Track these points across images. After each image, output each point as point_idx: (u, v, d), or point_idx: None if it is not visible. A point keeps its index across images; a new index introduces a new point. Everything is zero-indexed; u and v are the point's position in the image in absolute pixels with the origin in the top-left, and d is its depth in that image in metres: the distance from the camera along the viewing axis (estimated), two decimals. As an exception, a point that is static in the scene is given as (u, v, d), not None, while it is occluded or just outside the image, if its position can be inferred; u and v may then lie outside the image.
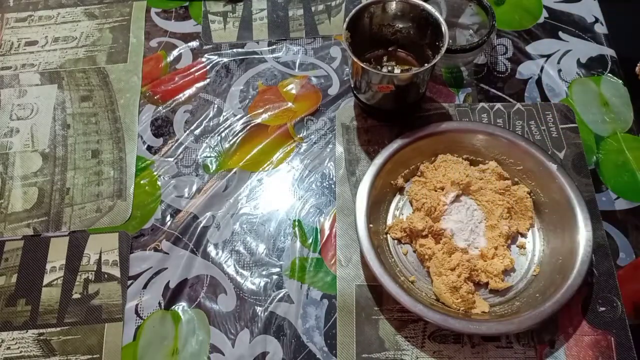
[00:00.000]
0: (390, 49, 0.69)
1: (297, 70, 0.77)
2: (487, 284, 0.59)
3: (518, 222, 0.63)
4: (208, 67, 0.78)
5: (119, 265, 0.64)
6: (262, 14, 0.82)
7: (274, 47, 0.79)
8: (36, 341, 0.60)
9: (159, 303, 0.62)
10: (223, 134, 0.72)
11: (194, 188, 0.69)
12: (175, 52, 0.79)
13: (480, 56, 0.76)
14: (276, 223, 0.66)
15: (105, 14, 0.83)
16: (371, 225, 0.60)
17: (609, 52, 0.76)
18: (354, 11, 0.63)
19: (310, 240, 0.64)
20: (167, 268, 0.64)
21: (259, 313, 0.60)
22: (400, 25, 0.67)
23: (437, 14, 0.63)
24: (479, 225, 0.62)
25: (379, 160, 0.63)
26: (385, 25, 0.67)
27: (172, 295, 0.62)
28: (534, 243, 0.62)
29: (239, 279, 0.63)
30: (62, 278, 0.64)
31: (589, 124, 0.70)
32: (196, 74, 0.77)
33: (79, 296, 0.63)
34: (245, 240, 0.65)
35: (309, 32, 0.80)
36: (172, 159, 0.71)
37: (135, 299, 0.62)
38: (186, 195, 0.68)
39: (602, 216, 0.63)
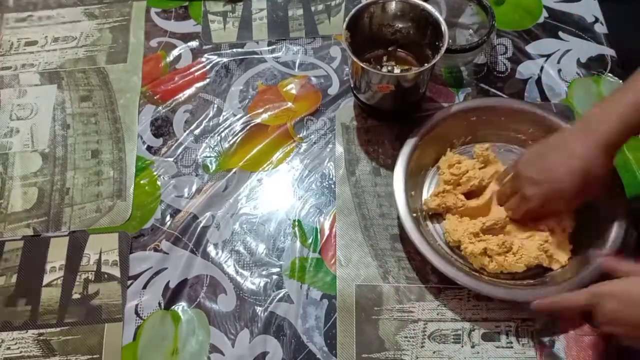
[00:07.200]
0: (390, 49, 0.69)
1: (297, 70, 0.77)
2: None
3: None
4: (208, 67, 0.78)
5: (119, 265, 0.64)
6: (261, 13, 0.82)
7: (274, 47, 0.79)
8: (36, 341, 0.60)
9: (159, 303, 0.61)
10: (223, 134, 0.72)
11: (194, 188, 0.69)
12: (175, 52, 0.79)
13: (480, 56, 0.76)
14: (276, 223, 0.66)
15: (105, 14, 0.83)
16: (413, 193, 0.63)
17: (609, 52, 0.76)
18: (353, 11, 0.63)
19: (310, 240, 0.64)
20: (167, 268, 0.64)
21: (259, 313, 0.60)
22: (400, 25, 0.67)
23: (437, 14, 0.63)
24: None
25: (414, 138, 0.64)
26: (385, 25, 0.67)
27: (172, 295, 0.62)
28: None
29: (239, 279, 0.63)
30: (62, 278, 0.64)
31: (589, 124, 0.70)
32: (196, 74, 0.77)
33: (79, 296, 0.63)
34: (245, 240, 0.65)
35: (309, 32, 0.80)
36: (172, 159, 0.71)
37: (135, 299, 0.62)
38: (186, 195, 0.68)
39: (602, 216, 0.63)
